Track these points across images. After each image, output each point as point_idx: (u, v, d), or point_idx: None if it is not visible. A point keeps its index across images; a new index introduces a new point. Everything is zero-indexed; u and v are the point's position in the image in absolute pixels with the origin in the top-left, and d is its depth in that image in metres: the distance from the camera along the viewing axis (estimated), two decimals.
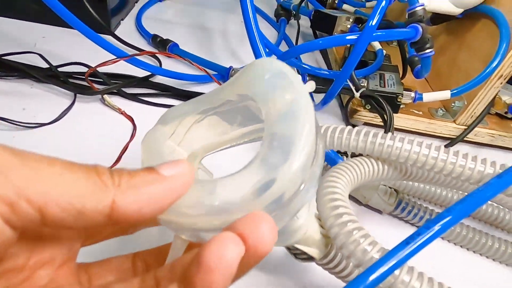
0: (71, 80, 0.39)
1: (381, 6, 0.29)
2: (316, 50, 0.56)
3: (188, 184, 0.14)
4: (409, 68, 0.44)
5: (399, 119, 0.43)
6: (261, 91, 0.16)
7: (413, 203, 0.31)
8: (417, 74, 0.36)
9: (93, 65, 0.38)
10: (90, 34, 0.37)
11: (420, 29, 0.31)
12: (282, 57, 0.34)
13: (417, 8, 0.32)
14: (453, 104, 0.43)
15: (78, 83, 0.39)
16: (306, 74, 0.41)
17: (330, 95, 0.35)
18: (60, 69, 0.39)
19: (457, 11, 0.41)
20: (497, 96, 0.43)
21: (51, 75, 0.38)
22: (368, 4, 0.56)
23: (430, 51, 0.33)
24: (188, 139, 0.19)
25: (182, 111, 0.19)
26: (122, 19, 0.54)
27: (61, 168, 0.13)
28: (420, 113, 0.44)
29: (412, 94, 0.40)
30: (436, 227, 0.18)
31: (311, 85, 0.17)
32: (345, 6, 0.57)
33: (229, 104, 0.18)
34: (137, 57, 0.38)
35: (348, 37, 0.30)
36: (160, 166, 0.14)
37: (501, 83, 0.40)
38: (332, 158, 0.29)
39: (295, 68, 0.45)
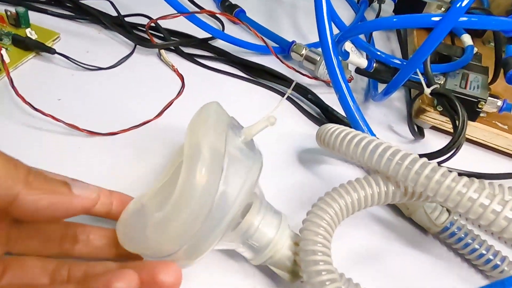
0: (134, 31, 0.40)
1: None
2: (393, 36, 0.50)
3: (88, 208, 0.17)
4: (501, 73, 0.37)
5: (476, 129, 0.36)
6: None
7: (467, 230, 0.26)
8: (511, 79, 0.30)
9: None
10: None
11: None
12: (347, 32, 0.30)
13: None
14: None
15: (141, 35, 0.40)
16: (374, 60, 0.36)
17: (393, 85, 0.30)
18: (126, 19, 0.40)
19: None
20: None
21: (118, 24, 0.39)
22: None
23: None
24: None
25: None
26: None
27: None
28: (505, 127, 0.37)
29: (499, 103, 0.33)
30: None
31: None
32: None
33: None
34: (198, 16, 0.37)
35: (430, 18, 0.25)
36: (75, 183, 0.17)
37: None
38: None
39: (361, 52, 0.40)
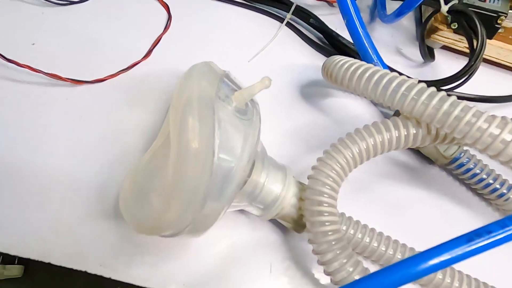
0: None
1: None
2: None
3: None
4: None
5: (491, 48, 0.33)
6: None
7: (476, 160, 0.25)
8: None
9: None
10: None
11: None
12: None
13: None
14: None
15: None
16: None
17: (408, 5, 0.27)
18: None
19: None
20: None
21: None
22: None
23: None
24: None
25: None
26: None
27: None
28: None
29: None
30: None
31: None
32: None
33: None
34: None
35: None
36: None
37: None
38: None
39: None
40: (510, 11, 0.30)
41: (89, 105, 0.26)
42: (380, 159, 0.27)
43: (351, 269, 0.17)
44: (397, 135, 0.19)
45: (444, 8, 0.27)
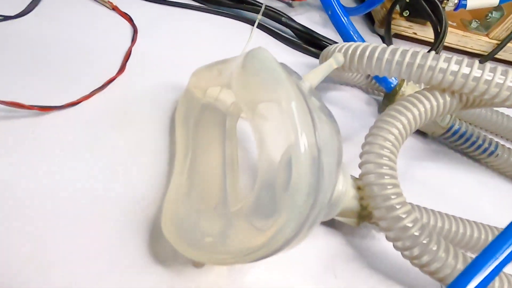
0: None
1: None
2: None
3: None
4: None
5: (430, 30, 0.38)
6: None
7: (466, 126, 0.27)
8: None
9: None
10: None
11: None
12: None
13: None
14: (489, 15, 0.39)
15: None
16: None
17: None
18: None
19: None
20: None
21: None
22: None
23: None
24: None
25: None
26: None
27: None
28: (454, 24, 0.39)
29: (456, 0, 0.35)
30: None
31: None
32: None
33: None
34: None
35: None
36: None
37: None
38: None
39: None
40: None
41: (63, 135, 0.20)
42: None
43: (453, 262, 0.15)
44: (436, 103, 0.19)
45: None
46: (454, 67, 0.18)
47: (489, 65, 0.18)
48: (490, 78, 0.18)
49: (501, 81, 0.18)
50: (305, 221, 0.12)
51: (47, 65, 0.23)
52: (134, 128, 0.22)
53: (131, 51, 0.26)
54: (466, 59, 0.18)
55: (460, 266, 0.15)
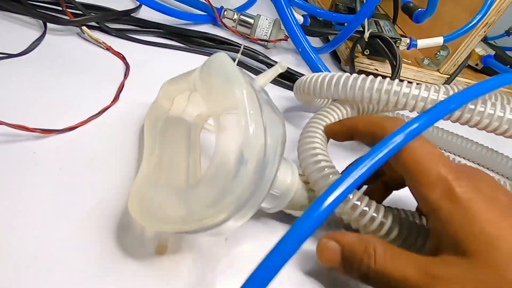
0: (38, 10, 0.32)
1: None
2: None
3: None
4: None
5: (388, 66, 0.43)
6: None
7: None
8: (418, 18, 0.36)
9: None
10: None
11: None
12: None
13: None
14: (437, 54, 0.44)
15: (47, 12, 0.32)
16: (308, 14, 0.38)
17: (341, 37, 0.33)
18: None
19: None
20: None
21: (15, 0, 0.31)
22: None
23: None
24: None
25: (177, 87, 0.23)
26: None
27: None
28: (409, 61, 0.44)
29: (408, 40, 0.40)
30: (398, 138, 0.15)
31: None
32: None
33: None
34: None
35: None
36: None
37: (485, 31, 0.41)
38: None
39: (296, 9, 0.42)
40: (402, 38, 0.40)
41: (62, 156, 0.22)
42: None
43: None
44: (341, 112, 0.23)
45: (366, 34, 0.34)
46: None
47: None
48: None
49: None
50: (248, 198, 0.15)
51: (48, 95, 0.25)
52: (125, 151, 0.24)
53: (124, 84, 0.28)
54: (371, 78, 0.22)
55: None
